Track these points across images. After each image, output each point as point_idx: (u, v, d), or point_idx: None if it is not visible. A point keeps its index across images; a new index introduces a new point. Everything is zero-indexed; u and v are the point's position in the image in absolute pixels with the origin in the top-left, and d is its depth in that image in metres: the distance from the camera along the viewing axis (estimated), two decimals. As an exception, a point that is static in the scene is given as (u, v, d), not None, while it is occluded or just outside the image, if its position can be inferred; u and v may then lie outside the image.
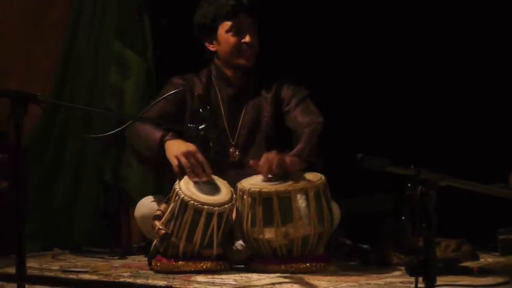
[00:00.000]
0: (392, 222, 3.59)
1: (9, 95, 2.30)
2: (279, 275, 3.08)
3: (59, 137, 4.55)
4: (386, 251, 3.46)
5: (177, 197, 3.15)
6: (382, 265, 3.37)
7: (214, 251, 3.17)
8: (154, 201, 3.39)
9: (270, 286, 2.86)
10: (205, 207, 3.12)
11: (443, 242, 3.48)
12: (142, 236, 3.93)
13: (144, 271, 3.28)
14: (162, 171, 3.27)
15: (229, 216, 3.20)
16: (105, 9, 4.56)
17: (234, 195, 3.23)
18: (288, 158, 3.20)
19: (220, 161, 3.43)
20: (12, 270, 2.99)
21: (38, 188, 4.47)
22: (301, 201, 3.14)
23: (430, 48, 4.04)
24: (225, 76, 3.57)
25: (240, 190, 3.21)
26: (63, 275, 3.28)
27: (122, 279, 3.08)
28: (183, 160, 3.22)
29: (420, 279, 2.05)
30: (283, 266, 3.16)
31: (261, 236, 3.16)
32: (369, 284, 2.87)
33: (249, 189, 3.17)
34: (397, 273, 3.16)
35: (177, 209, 3.15)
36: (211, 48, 3.56)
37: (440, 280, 2.11)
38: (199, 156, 3.23)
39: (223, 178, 3.32)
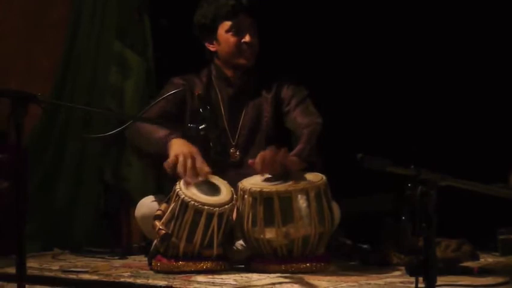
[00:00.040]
0: (392, 222, 3.59)
1: (9, 95, 2.29)
2: (279, 275, 3.08)
3: (59, 137, 4.55)
4: (387, 251, 3.45)
5: (178, 197, 3.15)
6: (382, 265, 3.37)
7: (215, 251, 3.17)
8: (154, 201, 3.39)
9: (270, 286, 2.85)
10: (206, 207, 3.12)
11: (443, 242, 3.48)
12: (143, 236, 3.93)
13: (145, 271, 3.27)
14: (163, 171, 3.25)
15: (230, 217, 3.20)
16: (105, 9, 4.56)
17: (235, 196, 3.23)
18: (288, 157, 3.20)
19: (221, 161, 3.42)
20: (12, 270, 2.99)
21: (38, 188, 4.47)
22: (302, 201, 3.14)
23: (430, 48, 4.04)
24: (225, 76, 3.57)
25: (241, 190, 3.21)
26: (63, 275, 3.27)
27: (122, 279, 3.08)
28: (181, 160, 3.19)
29: (420, 279, 2.05)
30: (283, 266, 3.16)
31: (261, 236, 3.16)
32: (369, 284, 2.87)
33: (250, 189, 3.17)
34: (397, 273, 3.16)
35: (177, 209, 3.14)
36: (211, 48, 3.56)
37: (440, 280, 2.11)
38: (199, 160, 3.20)
39: (224, 178, 3.31)
